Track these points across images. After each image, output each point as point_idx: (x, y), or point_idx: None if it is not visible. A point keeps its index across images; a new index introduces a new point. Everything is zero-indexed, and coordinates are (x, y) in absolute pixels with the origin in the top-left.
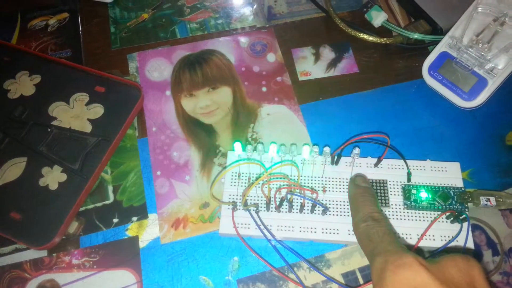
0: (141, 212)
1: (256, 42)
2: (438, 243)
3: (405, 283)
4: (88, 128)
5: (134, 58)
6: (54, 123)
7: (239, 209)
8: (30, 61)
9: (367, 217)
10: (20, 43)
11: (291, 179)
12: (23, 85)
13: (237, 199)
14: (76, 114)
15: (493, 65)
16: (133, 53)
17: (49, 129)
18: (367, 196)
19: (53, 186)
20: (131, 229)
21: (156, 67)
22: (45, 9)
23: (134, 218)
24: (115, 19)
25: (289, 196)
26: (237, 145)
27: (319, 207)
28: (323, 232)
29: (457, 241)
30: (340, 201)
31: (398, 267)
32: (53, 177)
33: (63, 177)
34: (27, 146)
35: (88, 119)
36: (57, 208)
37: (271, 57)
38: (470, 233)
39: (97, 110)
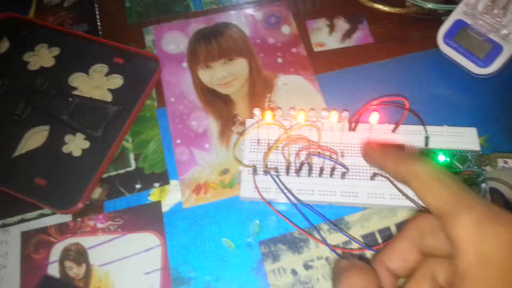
0: (163, 178)
1: (270, 15)
2: None
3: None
4: (108, 97)
5: (150, 32)
6: (75, 93)
7: (259, 173)
8: (48, 34)
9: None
10: (37, 18)
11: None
12: (43, 57)
13: (257, 164)
14: (96, 84)
15: (508, 31)
16: (149, 27)
17: (70, 99)
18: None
19: (77, 153)
20: (154, 194)
21: (172, 40)
22: None
23: (156, 184)
24: None
25: (308, 159)
26: (257, 110)
27: (338, 170)
28: (342, 195)
29: None
30: (359, 166)
31: (503, 227)
32: (76, 144)
33: (86, 144)
34: (50, 115)
35: (108, 89)
36: (80, 174)
37: (285, 29)
38: (488, 195)
39: (117, 81)
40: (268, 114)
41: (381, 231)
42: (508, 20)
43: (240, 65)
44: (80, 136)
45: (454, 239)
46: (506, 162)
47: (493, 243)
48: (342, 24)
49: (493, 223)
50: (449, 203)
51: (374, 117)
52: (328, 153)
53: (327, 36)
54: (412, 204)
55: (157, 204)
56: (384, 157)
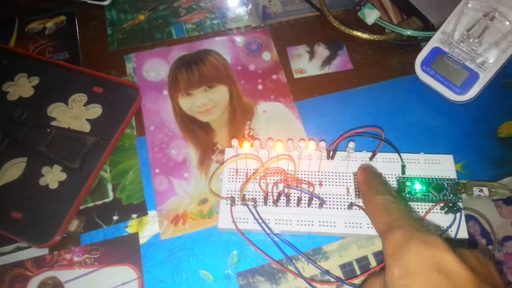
0: (141, 209)
1: (251, 41)
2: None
3: (429, 261)
4: (87, 128)
5: (131, 59)
6: (53, 123)
7: (237, 204)
8: (28, 63)
9: (385, 191)
10: (18, 46)
11: (287, 173)
12: (22, 87)
13: (235, 194)
14: (75, 114)
15: (484, 59)
16: (130, 54)
17: (48, 129)
18: (381, 179)
19: (53, 185)
20: (131, 226)
21: (153, 67)
22: (42, 12)
23: (134, 215)
24: (111, 21)
25: (286, 190)
26: (235, 141)
27: (316, 200)
28: (320, 225)
29: (451, 231)
30: (337, 195)
31: (424, 243)
32: (53, 176)
33: (63, 176)
34: (27, 147)
35: (87, 119)
36: (57, 207)
37: (266, 56)
38: (463, 223)
39: (96, 110)
40: (246, 145)
41: (359, 260)
42: (484, 49)
43: (221, 92)
44: (57, 168)
45: (385, 255)
46: (481, 191)
47: (415, 258)
48: (322, 51)
49: (417, 240)
50: (387, 226)
51: (351, 145)
52: (305, 186)
53: (307, 63)
54: None
55: (135, 236)
56: (360, 186)
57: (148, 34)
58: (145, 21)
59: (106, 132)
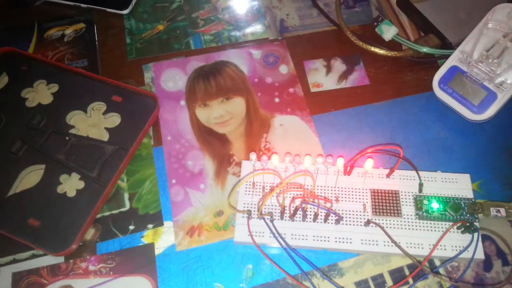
0: (157, 220)
1: (268, 54)
2: (449, 253)
3: None
4: (105, 136)
5: (150, 69)
6: (72, 131)
7: (254, 217)
8: (48, 70)
9: None
10: (37, 52)
11: (305, 188)
12: (41, 93)
13: (251, 207)
14: (93, 122)
15: (502, 79)
16: (149, 64)
17: (67, 137)
18: None
19: (71, 193)
20: (147, 236)
21: (171, 78)
22: (61, 19)
23: (150, 226)
24: (130, 30)
25: (303, 205)
26: (253, 155)
27: (332, 216)
28: (336, 241)
29: (467, 251)
30: (353, 211)
31: None
32: (71, 185)
33: (81, 184)
34: (45, 154)
35: (106, 128)
36: (74, 215)
37: (283, 69)
38: (480, 243)
39: (114, 119)
40: (264, 158)
41: (374, 278)
42: (503, 69)
43: (238, 104)
44: (75, 176)
45: None
46: (498, 211)
47: None
48: (339, 65)
49: None
50: None
51: (369, 163)
52: (322, 202)
53: (324, 77)
54: None
55: (150, 247)
56: None
57: (166, 44)
58: (163, 31)
59: (124, 141)
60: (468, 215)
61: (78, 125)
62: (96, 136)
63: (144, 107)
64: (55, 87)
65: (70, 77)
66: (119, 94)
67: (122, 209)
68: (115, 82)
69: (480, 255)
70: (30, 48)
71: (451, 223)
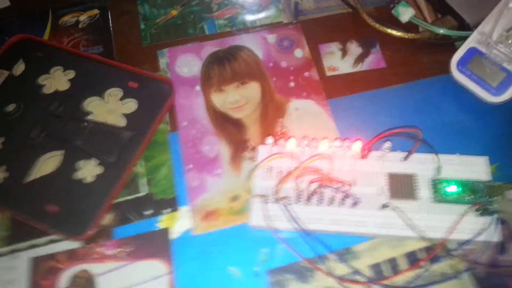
0: (173, 205)
1: (283, 38)
2: (465, 236)
3: None
4: (122, 122)
5: (164, 54)
6: (89, 117)
7: (270, 201)
8: (64, 56)
9: None
10: (52, 39)
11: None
12: (58, 80)
13: (267, 192)
14: (110, 108)
15: None
16: (163, 49)
17: (85, 123)
18: None
19: (90, 178)
20: (163, 221)
21: (185, 63)
22: (75, 5)
23: (166, 210)
24: (144, 15)
25: (320, 189)
26: (270, 139)
27: (348, 200)
28: (352, 225)
29: (484, 234)
30: (369, 194)
31: None
32: (89, 170)
33: (99, 170)
34: (64, 140)
35: (123, 114)
36: (93, 201)
37: (298, 53)
38: (497, 226)
39: (131, 105)
40: (282, 142)
41: (389, 261)
42: None
43: (253, 89)
44: (93, 162)
45: None
46: None
47: None
48: (354, 48)
49: None
50: None
51: (387, 145)
52: (340, 185)
53: (339, 60)
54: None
55: (166, 231)
56: None
57: (181, 30)
58: (177, 16)
59: (141, 126)
60: (485, 198)
61: (95, 111)
62: (114, 122)
63: (160, 93)
64: (71, 74)
65: (86, 64)
66: (135, 80)
67: (139, 194)
68: (131, 68)
69: (496, 237)
70: (45, 35)
71: (468, 206)
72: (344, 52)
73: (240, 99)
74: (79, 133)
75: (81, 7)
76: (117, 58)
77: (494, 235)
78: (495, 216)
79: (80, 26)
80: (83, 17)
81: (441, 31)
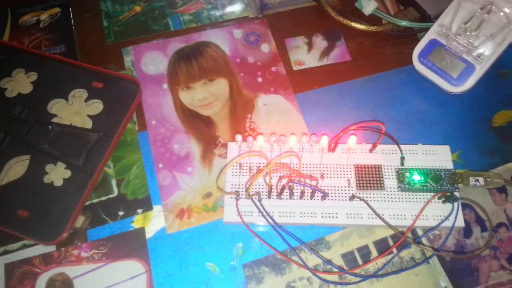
0: (146, 204)
1: (249, 33)
2: (431, 223)
3: None
4: (88, 124)
5: (129, 52)
6: (55, 120)
7: (242, 197)
8: (25, 58)
9: None
10: (12, 40)
11: (291, 167)
12: (20, 83)
13: (239, 188)
14: (76, 110)
15: (480, 51)
16: (128, 47)
17: (50, 127)
18: None
19: (58, 182)
20: (137, 221)
21: (151, 61)
22: (35, 4)
23: (139, 210)
24: (107, 12)
25: (290, 184)
26: (238, 136)
27: (318, 192)
28: (322, 217)
29: (448, 219)
30: (338, 187)
31: None
32: (57, 174)
33: (68, 173)
34: (29, 144)
35: (88, 115)
36: (63, 204)
37: (265, 48)
38: (460, 212)
39: (97, 106)
40: (250, 139)
41: (360, 249)
42: (480, 42)
43: (221, 85)
44: (61, 166)
45: None
46: (477, 181)
47: None
48: (320, 42)
49: None
50: None
51: (352, 140)
52: (308, 180)
53: (305, 54)
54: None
55: (141, 231)
56: None
57: (145, 26)
58: (141, 13)
59: (108, 128)
60: (448, 186)
61: (60, 113)
62: (80, 124)
63: (126, 92)
64: (34, 76)
65: (49, 65)
66: (99, 80)
67: (111, 196)
68: (95, 67)
69: (460, 223)
70: (4, 36)
71: (432, 194)
72: (310, 46)
73: (208, 96)
74: (44, 137)
75: (42, 5)
76: (81, 57)
77: (458, 220)
78: (458, 202)
79: (41, 26)
80: (44, 16)
81: (404, 23)
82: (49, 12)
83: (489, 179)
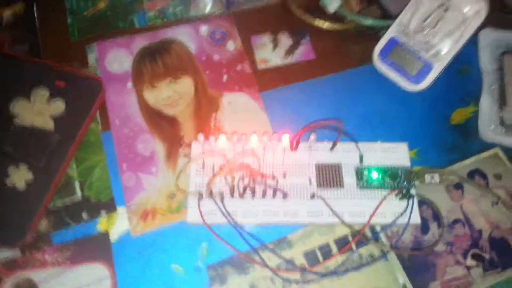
0: (110, 206)
1: (215, 30)
2: (388, 220)
3: None
4: (50, 124)
5: (93, 49)
6: (16, 120)
7: (205, 198)
8: None
9: None
10: None
11: (253, 167)
12: None
13: (203, 188)
14: (37, 110)
15: (437, 49)
16: (92, 44)
17: (11, 127)
18: None
19: (20, 185)
20: (101, 223)
21: (116, 58)
22: None
23: (103, 212)
24: (71, 9)
25: (251, 184)
26: (200, 136)
27: (279, 192)
28: (284, 215)
29: (404, 216)
30: (300, 185)
31: None
32: (19, 176)
33: (30, 175)
34: None
35: (50, 115)
36: (25, 207)
37: (230, 45)
38: (416, 208)
39: (59, 105)
40: (212, 139)
41: (321, 248)
42: (438, 40)
43: (186, 84)
44: (23, 168)
45: None
46: (432, 178)
47: None
48: (285, 40)
49: None
50: None
51: (312, 138)
52: (269, 180)
53: (271, 52)
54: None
55: (105, 234)
56: None
57: (110, 23)
58: (105, 8)
59: (70, 128)
60: (404, 183)
61: (22, 113)
62: (41, 124)
63: (88, 91)
64: None
65: (10, 63)
66: (62, 78)
67: (74, 198)
68: (57, 66)
69: (415, 219)
70: None
71: (388, 191)
72: (276, 44)
73: (173, 95)
74: (5, 138)
75: (4, 1)
76: (45, 56)
77: (413, 217)
78: (413, 199)
79: (3, 24)
80: (6, 13)
81: (366, 22)
82: (12, 9)
83: (444, 176)
